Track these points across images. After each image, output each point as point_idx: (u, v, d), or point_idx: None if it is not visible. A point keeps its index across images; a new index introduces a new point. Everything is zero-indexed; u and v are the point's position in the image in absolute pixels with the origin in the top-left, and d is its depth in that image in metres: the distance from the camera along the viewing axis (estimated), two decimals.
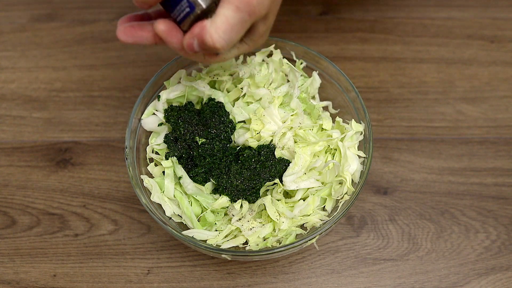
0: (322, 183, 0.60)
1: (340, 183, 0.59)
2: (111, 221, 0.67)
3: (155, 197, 0.59)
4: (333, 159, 0.60)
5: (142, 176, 0.60)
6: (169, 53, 0.78)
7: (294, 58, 0.65)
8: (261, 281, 0.64)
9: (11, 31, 0.82)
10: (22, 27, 0.82)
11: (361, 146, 0.61)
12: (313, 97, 0.65)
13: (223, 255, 0.56)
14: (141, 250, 0.65)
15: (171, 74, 0.63)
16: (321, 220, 0.58)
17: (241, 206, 0.58)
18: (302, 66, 0.65)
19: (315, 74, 0.64)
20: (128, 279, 0.64)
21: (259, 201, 0.58)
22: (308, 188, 0.59)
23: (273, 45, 0.64)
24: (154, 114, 0.62)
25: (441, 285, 0.63)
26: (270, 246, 0.57)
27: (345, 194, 0.59)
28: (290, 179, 0.58)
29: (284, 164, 0.59)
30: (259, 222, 0.59)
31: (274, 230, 0.59)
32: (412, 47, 0.79)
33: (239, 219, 0.58)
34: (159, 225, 0.67)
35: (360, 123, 0.61)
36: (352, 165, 0.59)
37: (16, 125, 0.74)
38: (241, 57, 0.65)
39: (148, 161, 0.62)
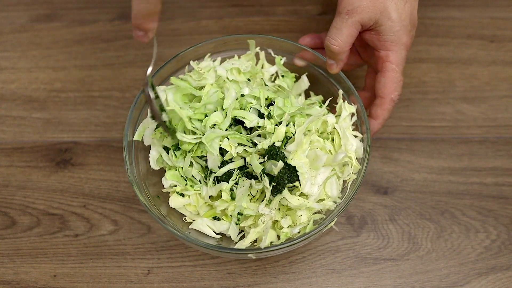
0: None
1: (344, 164, 0.60)
2: (111, 221, 0.67)
3: (198, 225, 0.59)
4: (332, 142, 0.61)
5: (172, 204, 0.60)
6: (169, 53, 0.78)
7: (273, 55, 0.65)
8: (261, 281, 0.64)
9: (11, 31, 0.82)
10: (21, 28, 0.82)
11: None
12: (299, 94, 0.66)
13: (249, 255, 0.56)
14: (141, 250, 0.65)
15: (165, 75, 0.63)
16: (335, 203, 0.59)
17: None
18: (282, 61, 0.65)
19: (304, 77, 0.65)
20: (129, 279, 0.64)
21: (278, 198, 0.58)
22: None
23: (259, 48, 0.64)
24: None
25: (441, 284, 0.63)
26: (292, 237, 0.58)
27: (352, 173, 0.59)
28: (308, 186, 0.58)
29: (293, 170, 0.58)
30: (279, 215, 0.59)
31: (293, 222, 0.59)
32: (412, 47, 0.79)
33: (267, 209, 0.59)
34: (160, 225, 0.67)
35: (351, 104, 0.62)
36: (353, 143, 0.60)
37: (16, 126, 0.74)
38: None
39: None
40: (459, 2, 0.83)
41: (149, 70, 0.55)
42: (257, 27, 0.81)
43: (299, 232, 0.58)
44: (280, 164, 0.56)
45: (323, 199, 0.59)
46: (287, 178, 0.57)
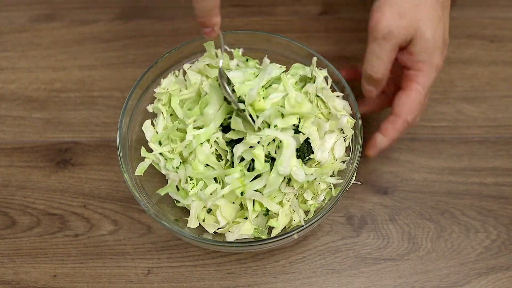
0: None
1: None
2: (111, 221, 0.67)
3: (238, 233, 0.58)
4: (318, 109, 0.62)
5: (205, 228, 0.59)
6: None
7: (229, 50, 0.66)
8: (261, 281, 0.64)
9: (11, 31, 0.82)
10: (22, 28, 0.82)
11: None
12: None
13: (294, 236, 0.56)
14: (141, 250, 0.65)
15: (155, 76, 0.64)
16: (343, 162, 0.60)
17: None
18: (240, 52, 0.66)
19: (265, 59, 0.66)
20: (129, 279, 0.64)
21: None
22: None
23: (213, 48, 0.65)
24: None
25: (441, 284, 0.63)
26: (319, 206, 0.59)
27: (351, 129, 0.61)
28: (320, 153, 0.59)
29: (307, 141, 0.59)
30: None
31: (314, 193, 0.59)
32: None
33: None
34: (159, 226, 0.67)
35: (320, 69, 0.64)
36: (340, 102, 0.61)
37: (16, 126, 0.74)
38: None
39: None
40: (459, 2, 0.83)
41: (220, 63, 0.58)
42: (257, 27, 0.81)
43: (323, 200, 0.59)
44: (304, 134, 0.58)
45: (332, 162, 0.60)
46: (306, 151, 0.58)
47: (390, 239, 0.66)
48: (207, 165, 0.59)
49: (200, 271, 0.64)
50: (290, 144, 0.57)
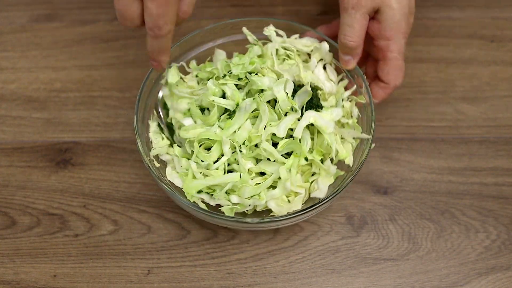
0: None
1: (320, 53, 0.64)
2: (111, 221, 0.67)
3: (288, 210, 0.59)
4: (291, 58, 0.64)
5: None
6: None
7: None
8: (261, 281, 0.64)
9: (11, 31, 0.82)
10: (22, 28, 0.82)
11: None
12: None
13: (322, 205, 0.58)
14: (141, 250, 0.65)
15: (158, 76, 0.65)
16: (342, 80, 0.64)
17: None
18: (194, 63, 0.67)
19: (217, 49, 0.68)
20: (129, 279, 0.64)
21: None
22: None
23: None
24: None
25: (441, 284, 0.63)
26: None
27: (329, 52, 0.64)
28: (326, 86, 0.62)
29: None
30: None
31: (346, 114, 0.62)
32: (412, 47, 0.79)
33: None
34: (160, 225, 0.67)
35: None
36: (304, 40, 0.65)
37: (16, 126, 0.74)
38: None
39: None
40: (459, 2, 0.83)
41: (160, 94, 0.63)
42: None
43: (358, 113, 0.62)
44: (309, 79, 0.60)
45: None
46: (315, 93, 0.60)
47: (390, 239, 0.66)
48: None
49: (200, 271, 0.64)
50: (325, 125, 0.59)
